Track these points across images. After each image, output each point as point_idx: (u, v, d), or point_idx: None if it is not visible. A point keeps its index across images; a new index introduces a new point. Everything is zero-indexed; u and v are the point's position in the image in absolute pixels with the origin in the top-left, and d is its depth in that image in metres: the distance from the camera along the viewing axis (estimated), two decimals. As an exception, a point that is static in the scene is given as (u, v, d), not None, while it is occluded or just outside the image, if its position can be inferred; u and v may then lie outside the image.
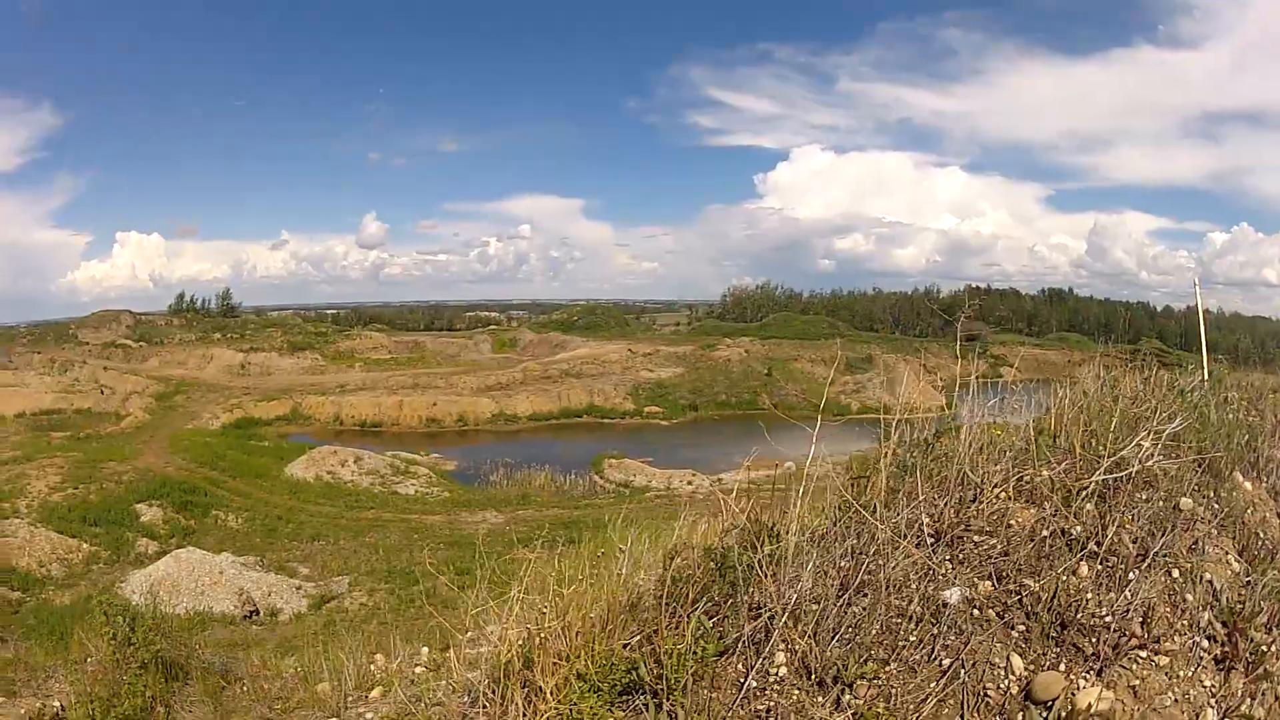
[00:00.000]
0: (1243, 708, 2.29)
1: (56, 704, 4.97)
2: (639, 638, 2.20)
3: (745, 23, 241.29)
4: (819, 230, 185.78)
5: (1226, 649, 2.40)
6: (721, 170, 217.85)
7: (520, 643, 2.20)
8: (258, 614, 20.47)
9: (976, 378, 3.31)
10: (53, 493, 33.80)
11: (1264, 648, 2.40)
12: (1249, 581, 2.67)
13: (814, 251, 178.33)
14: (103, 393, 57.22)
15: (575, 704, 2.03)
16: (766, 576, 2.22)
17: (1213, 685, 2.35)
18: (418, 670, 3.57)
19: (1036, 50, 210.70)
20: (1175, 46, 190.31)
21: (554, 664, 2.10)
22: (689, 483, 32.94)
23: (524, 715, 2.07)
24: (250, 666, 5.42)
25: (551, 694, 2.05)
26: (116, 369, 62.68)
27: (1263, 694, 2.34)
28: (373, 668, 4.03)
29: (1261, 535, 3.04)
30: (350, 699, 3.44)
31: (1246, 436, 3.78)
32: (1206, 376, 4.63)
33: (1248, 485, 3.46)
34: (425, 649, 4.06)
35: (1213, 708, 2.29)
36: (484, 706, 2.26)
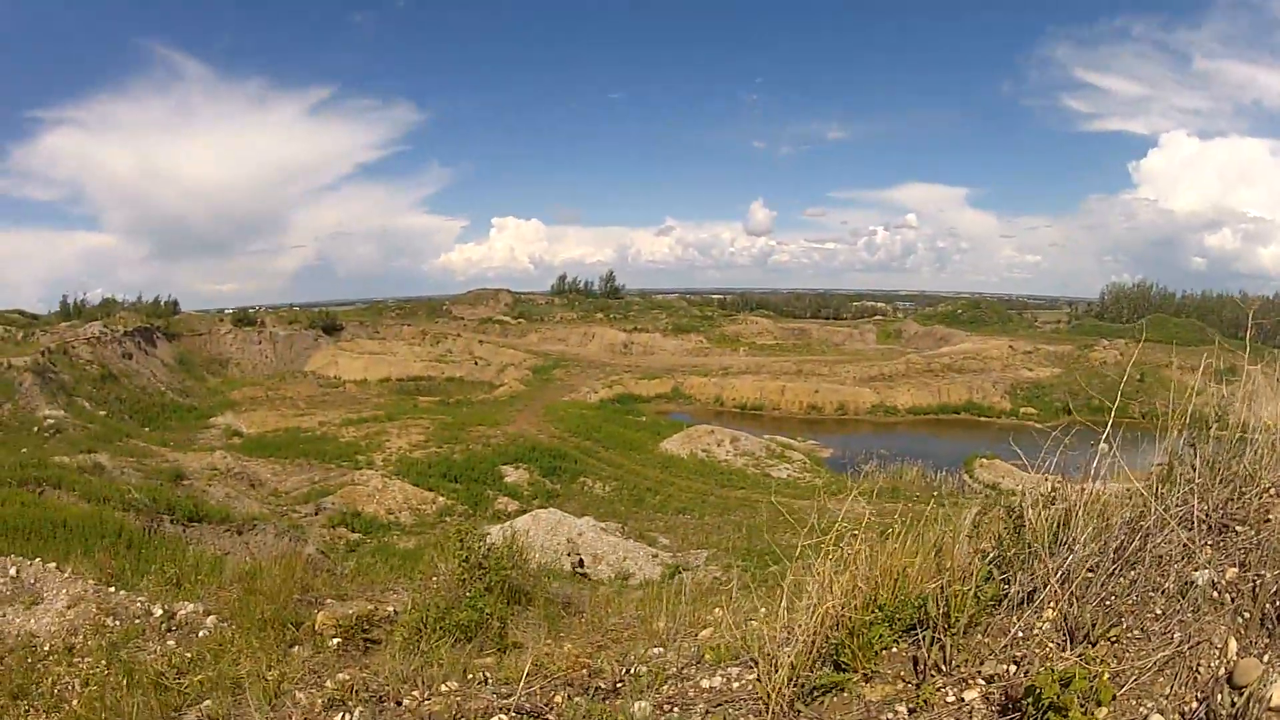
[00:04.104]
0: None
1: (391, 609, 5.40)
2: (939, 584, 2.47)
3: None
4: (1190, 225, 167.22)
5: None
6: (1096, 156, 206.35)
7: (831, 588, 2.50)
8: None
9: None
10: (413, 449, 34.24)
11: None
12: None
13: (1186, 248, 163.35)
14: (476, 364, 58.94)
15: (867, 631, 2.39)
16: (1053, 540, 2.44)
17: None
18: (751, 624, 3.72)
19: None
20: None
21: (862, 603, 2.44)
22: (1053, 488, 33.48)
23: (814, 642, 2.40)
24: (593, 600, 5.87)
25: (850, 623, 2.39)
26: (492, 342, 63.88)
27: None
28: (708, 616, 4.25)
29: None
30: (681, 634, 3.71)
31: None
32: None
33: None
34: (763, 609, 4.22)
35: None
36: (800, 639, 2.54)
